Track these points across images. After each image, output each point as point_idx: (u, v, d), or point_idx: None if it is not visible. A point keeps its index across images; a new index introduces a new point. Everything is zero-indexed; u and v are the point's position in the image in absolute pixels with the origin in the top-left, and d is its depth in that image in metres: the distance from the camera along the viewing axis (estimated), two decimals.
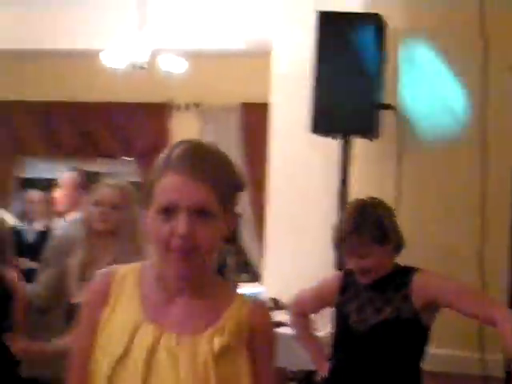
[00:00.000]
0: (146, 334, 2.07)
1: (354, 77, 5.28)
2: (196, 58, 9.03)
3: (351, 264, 3.77)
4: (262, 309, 2.18)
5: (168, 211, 2.04)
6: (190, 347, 2.05)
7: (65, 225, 5.45)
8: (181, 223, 2.01)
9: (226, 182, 2.09)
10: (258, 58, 8.72)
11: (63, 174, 5.80)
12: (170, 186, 2.05)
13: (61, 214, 5.83)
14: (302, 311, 4.15)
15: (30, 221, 7.13)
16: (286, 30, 7.89)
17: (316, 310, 4.13)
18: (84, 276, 3.97)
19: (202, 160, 2.06)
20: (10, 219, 8.94)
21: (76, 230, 4.89)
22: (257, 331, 2.12)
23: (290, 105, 7.57)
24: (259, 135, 8.84)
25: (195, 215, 2.03)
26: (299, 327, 4.22)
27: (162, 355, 2.04)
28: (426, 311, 3.67)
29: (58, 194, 5.76)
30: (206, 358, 2.04)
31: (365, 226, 3.67)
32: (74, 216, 5.39)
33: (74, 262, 4.22)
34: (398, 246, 3.79)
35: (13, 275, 5.33)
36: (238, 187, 2.17)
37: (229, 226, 2.12)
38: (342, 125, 5.37)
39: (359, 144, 5.53)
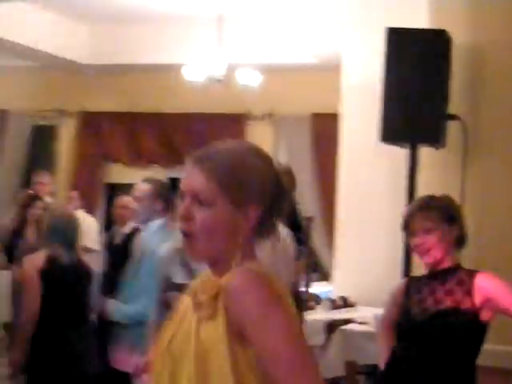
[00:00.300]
0: (186, 304, 2.15)
1: (421, 89, 5.26)
2: (270, 71, 9.08)
3: (415, 241, 3.76)
4: (235, 276, 2.02)
5: (182, 197, 2.10)
6: (193, 313, 2.09)
7: (147, 235, 5.49)
8: (180, 207, 2.09)
9: (231, 178, 2.05)
10: (328, 71, 8.74)
11: (138, 185, 5.86)
12: (183, 174, 2.11)
13: (139, 225, 5.89)
14: (387, 323, 4.12)
15: (120, 223, 7.20)
16: (354, 44, 7.89)
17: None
18: (185, 262, 4.01)
19: (210, 154, 2.08)
20: (92, 221, 9.08)
21: (159, 238, 4.97)
22: (229, 299, 1.99)
23: (359, 115, 7.57)
24: (329, 144, 8.85)
25: (194, 201, 2.06)
26: (380, 333, 4.20)
27: (185, 317, 2.13)
28: (484, 309, 3.65)
29: (135, 205, 5.82)
30: (193, 323, 2.07)
31: (434, 204, 3.74)
32: (153, 225, 5.44)
33: (171, 248, 4.25)
34: (462, 238, 3.78)
35: (88, 261, 5.61)
36: (252, 190, 2.07)
37: (244, 222, 2.07)
38: (409, 134, 5.35)
39: (425, 153, 5.50)
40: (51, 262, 5.30)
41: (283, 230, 5.76)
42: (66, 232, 5.40)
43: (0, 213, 9.06)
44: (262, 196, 2.08)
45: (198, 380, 2.02)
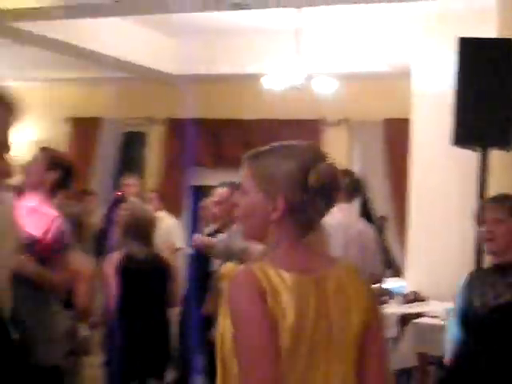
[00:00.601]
0: None
1: (492, 94, 5.23)
2: (345, 79, 9.07)
3: (484, 229, 3.75)
4: (229, 271, 2.22)
5: None
6: None
7: (230, 236, 5.53)
8: None
9: (263, 172, 2.23)
10: (399, 79, 8.70)
11: (216, 189, 5.90)
12: None
13: (221, 226, 5.92)
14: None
15: (204, 224, 7.24)
16: (425, 53, 7.86)
17: None
18: None
19: (258, 152, 2.28)
20: (173, 222, 9.12)
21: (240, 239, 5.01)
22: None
23: (429, 120, 7.54)
24: (400, 147, 8.81)
25: (241, 191, 2.29)
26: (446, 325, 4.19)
27: None
28: None
29: (215, 208, 5.86)
30: None
31: (507, 200, 3.77)
32: (234, 227, 5.47)
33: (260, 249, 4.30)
34: None
35: (167, 257, 5.65)
36: (279, 184, 2.20)
37: (272, 210, 2.20)
38: (480, 138, 5.31)
39: (495, 156, 5.45)
40: (128, 259, 5.34)
41: (367, 225, 5.79)
42: (140, 229, 5.44)
43: (96, 214, 9.21)
44: (288, 191, 2.19)
45: (220, 363, 2.16)
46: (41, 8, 7.29)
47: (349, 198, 5.66)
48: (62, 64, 10.51)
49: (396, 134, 9.59)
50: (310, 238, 2.26)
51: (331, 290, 2.18)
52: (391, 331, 6.49)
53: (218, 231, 5.94)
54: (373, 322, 2.24)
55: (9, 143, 1.90)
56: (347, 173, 5.78)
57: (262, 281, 2.08)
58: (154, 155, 11.74)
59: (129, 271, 5.33)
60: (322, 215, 2.25)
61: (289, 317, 2.07)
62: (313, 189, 2.18)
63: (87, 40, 8.93)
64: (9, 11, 7.48)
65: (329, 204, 2.23)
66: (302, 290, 2.12)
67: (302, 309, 2.10)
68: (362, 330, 2.21)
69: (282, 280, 2.10)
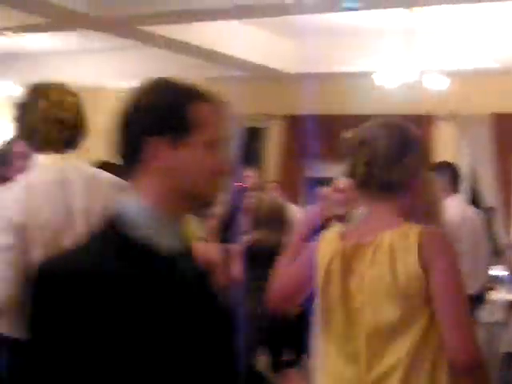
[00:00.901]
0: None
1: None
2: (455, 75, 8.97)
3: None
4: None
5: None
6: None
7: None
8: None
9: None
10: (507, 74, 8.55)
11: (339, 180, 5.94)
12: None
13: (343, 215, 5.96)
14: None
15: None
16: None
17: None
18: None
19: None
20: (295, 209, 9.20)
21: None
22: None
23: None
24: (508, 141, 8.67)
25: None
26: None
27: None
28: None
29: (337, 196, 5.90)
30: None
31: None
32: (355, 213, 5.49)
33: None
34: None
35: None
36: None
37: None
38: None
39: None
40: (256, 245, 5.36)
41: (475, 212, 5.75)
42: (273, 216, 5.47)
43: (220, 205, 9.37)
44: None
45: None
46: (168, 12, 7.50)
47: (452, 189, 5.64)
48: (186, 64, 10.73)
49: (504, 127, 9.44)
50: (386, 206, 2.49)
51: (368, 259, 2.41)
52: (499, 316, 6.42)
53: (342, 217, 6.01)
54: (430, 272, 2.31)
55: (223, 141, 1.77)
56: (448, 165, 5.76)
57: (321, 244, 2.59)
58: (272, 149, 11.86)
59: (254, 256, 5.35)
60: (364, 178, 2.55)
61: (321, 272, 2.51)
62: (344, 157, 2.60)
63: (210, 42, 9.11)
64: (139, 15, 7.72)
65: (353, 167, 2.58)
66: (341, 256, 2.47)
67: (335, 273, 2.46)
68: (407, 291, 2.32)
69: (332, 247, 2.51)
